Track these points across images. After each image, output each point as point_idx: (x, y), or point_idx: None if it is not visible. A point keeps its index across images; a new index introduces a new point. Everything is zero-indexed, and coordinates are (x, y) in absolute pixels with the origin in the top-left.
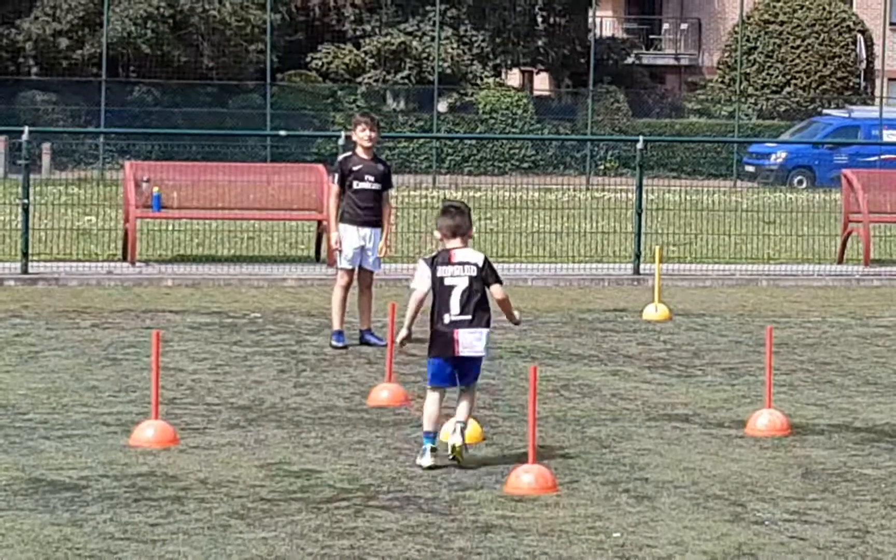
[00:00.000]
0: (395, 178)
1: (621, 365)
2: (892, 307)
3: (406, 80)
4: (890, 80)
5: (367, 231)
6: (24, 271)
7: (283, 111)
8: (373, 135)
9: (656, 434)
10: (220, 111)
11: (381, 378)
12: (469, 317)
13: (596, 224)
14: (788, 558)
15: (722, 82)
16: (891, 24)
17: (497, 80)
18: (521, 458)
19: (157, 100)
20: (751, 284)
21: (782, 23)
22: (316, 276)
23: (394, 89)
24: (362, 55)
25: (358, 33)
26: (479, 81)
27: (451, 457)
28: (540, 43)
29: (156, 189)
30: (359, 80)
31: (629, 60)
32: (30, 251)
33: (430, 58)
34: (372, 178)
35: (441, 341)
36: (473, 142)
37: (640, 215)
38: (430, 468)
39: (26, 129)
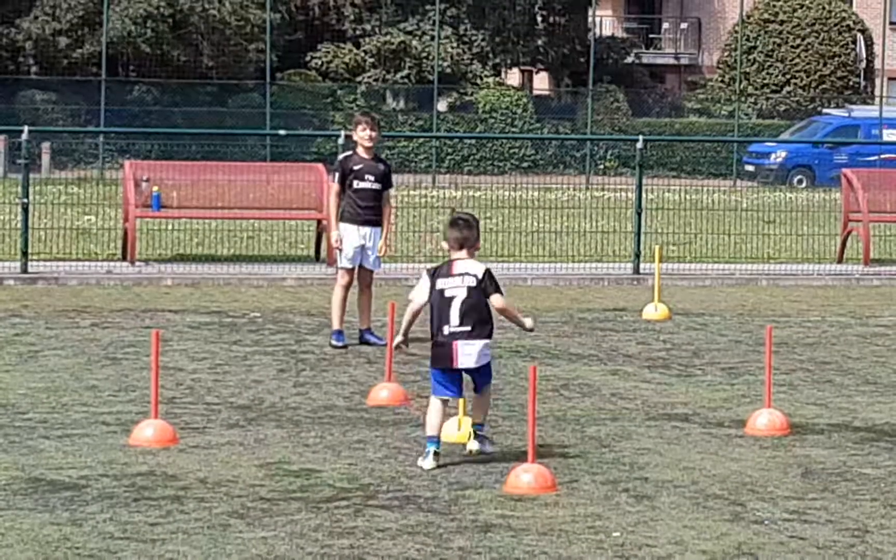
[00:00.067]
0: (394, 178)
1: (621, 364)
2: (892, 307)
3: (406, 80)
4: (890, 79)
5: (367, 230)
6: (24, 271)
7: (283, 110)
8: (373, 134)
9: (656, 433)
10: (219, 110)
11: (381, 377)
12: (468, 328)
13: (596, 223)
14: (788, 558)
15: (722, 82)
16: (891, 23)
17: (497, 79)
18: (521, 458)
19: (157, 99)
20: (750, 284)
21: (782, 22)
22: (315, 276)
23: (393, 89)
24: (362, 54)
25: (358, 32)
26: (478, 81)
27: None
28: (540, 42)
29: (155, 188)
30: (358, 79)
31: (629, 60)
32: (29, 250)
33: (430, 57)
34: (372, 178)
35: (441, 353)
36: (473, 141)
37: (639, 215)
38: (430, 470)
39: (26, 128)
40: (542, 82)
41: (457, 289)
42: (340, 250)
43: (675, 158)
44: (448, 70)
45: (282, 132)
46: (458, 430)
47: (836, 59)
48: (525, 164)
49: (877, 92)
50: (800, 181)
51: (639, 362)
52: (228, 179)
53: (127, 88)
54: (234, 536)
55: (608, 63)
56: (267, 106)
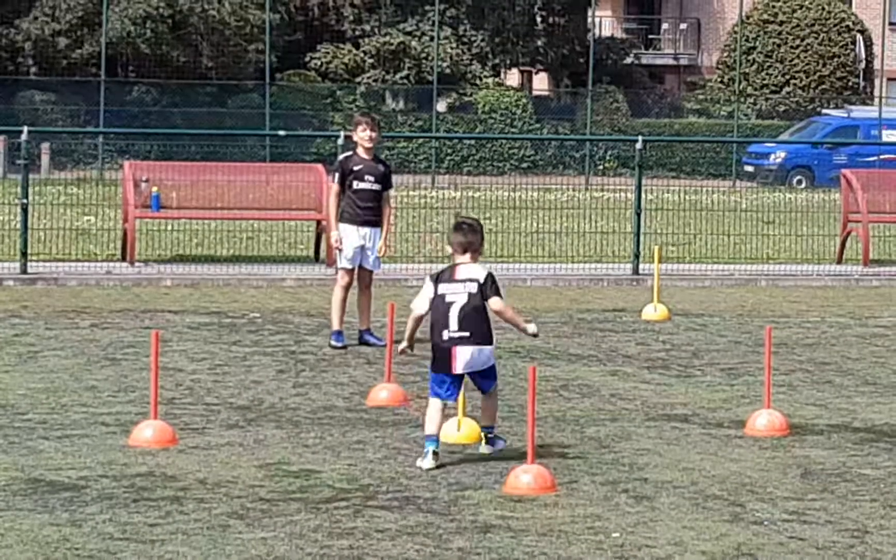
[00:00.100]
0: (394, 178)
1: (620, 365)
2: (891, 307)
3: (405, 80)
4: (889, 80)
5: (366, 230)
6: (23, 271)
7: (283, 111)
8: (374, 135)
9: (655, 434)
10: (219, 111)
11: (381, 378)
12: (467, 334)
13: (595, 224)
14: (787, 558)
15: (721, 82)
16: (890, 24)
17: (496, 79)
18: (521, 458)
19: (156, 100)
20: (750, 284)
21: (781, 23)
22: (315, 276)
23: (393, 89)
24: (361, 55)
25: (357, 33)
26: (478, 81)
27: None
28: (539, 43)
29: (155, 189)
30: (358, 79)
31: (628, 60)
32: (29, 251)
33: (430, 58)
34: (372, 179)
35: (440, 357)
36: (472, 142)
37: (639, 215)
38: (429, 470)
39: (25, 128)
40: (541, 83)
41: (458, 295)
42: (340, 250)
43: (674, 159)
44: (447, 70)
45: (281, 133)
46: (457, 431)
47: (836, 59)
48: (524, 165)
49: (876, 92)
50: (799, 182)
51: (638, 363)
52: (228, 180)
53: (126, 89)
54: (233, 537)
55: (607, 63)
56: (266, 106)
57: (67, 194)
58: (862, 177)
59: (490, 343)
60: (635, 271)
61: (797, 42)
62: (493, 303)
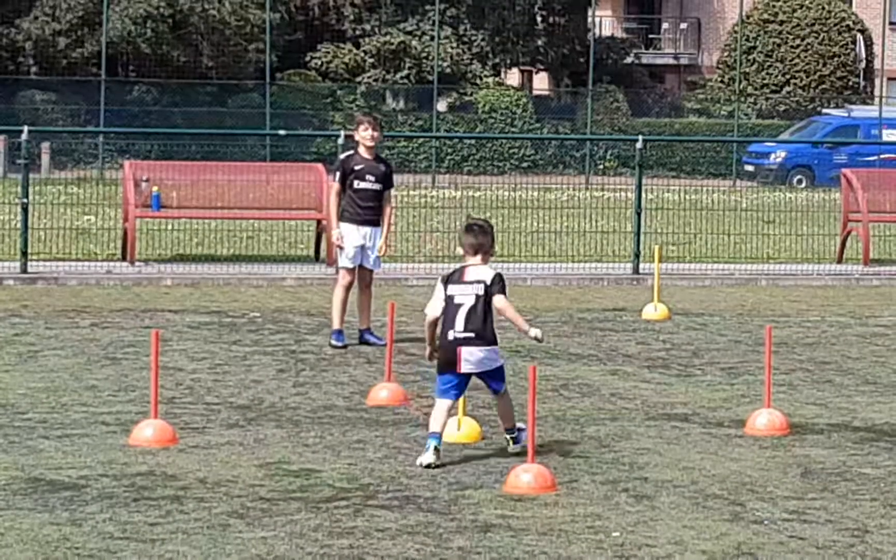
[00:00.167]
0: (394, 178)
1: (620, 364)
2: (892, 306)
3: (405, 80)
4: (889, 79)
5: (367, 230)
6: (24, 271)
7: (283, 111)
8: (375, 134)
9: (655, 433)
10: (219, 111)
11: (381, 377)
12: (472, 334)
13: (595, 223)
14: (788, 558)
15: (721, 82)
16: (890, 23)
17: (496, 79)
18: (521, 458)
19: (157, 99)
20: (750, 284)
21: (782, 22)
22: (315, 276)
23: (393, 89)
24: (362, 55)
25: (357, 33)
26: (478, 81)
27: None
28: (539, 42)
29: (155, 188)
30: (358, 79)
31: (628, 60)
32: (29, 250)
33: (430, 57)
34: (373, 178)
35: (446, 357)
36: (473, 141)
37: (639, 215)
38: (428, 466)
39: (25, 128)
40: (541, 82)
41: (466, 296)
42: (341, 249)
43: (674, 158)
44: (448, 70)
45: (281, 132)
46: (457, 430)
47: (836, 59)
48: (525, 165)
49: (876, 92)
50: (799, 181)
51: (638, 362)
52: (228, 179)
53: (127, 88)
54: (233, 536)
55: (608, 63)
56: (267, 106)
57: (68, 194)
58: (862, 176)
59: (495, 343)
60: (635, 271)
61: (797, 42)
62: (497, 300)
